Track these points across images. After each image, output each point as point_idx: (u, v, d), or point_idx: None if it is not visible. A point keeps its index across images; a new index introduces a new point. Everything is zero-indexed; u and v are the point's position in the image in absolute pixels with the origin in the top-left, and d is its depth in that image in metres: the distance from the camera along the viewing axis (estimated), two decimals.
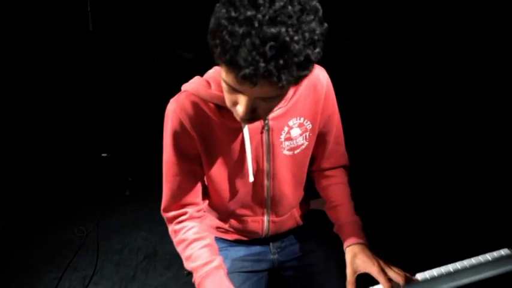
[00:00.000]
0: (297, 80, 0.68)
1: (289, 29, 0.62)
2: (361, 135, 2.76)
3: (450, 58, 3.41)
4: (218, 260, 0.96)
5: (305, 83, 0.93)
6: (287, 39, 0.62)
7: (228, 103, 0.79)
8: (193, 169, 0.98)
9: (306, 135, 0.98)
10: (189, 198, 1.01)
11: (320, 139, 1.06)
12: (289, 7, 0.63)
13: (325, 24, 0.68)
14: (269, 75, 0.63)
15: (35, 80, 3.69)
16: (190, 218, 1.02)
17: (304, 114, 0.96)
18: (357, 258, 0.95)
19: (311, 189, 1.17)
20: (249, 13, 0.62)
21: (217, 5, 0.68)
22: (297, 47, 0.62)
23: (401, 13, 3.51)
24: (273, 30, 0.61)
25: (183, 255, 0.99)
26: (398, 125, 3.04)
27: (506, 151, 2.55)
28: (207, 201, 1.08)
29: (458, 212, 2.15)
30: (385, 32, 3.60)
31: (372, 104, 3.32)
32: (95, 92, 3.37)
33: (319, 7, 0.67)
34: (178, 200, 1.01)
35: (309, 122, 0.97)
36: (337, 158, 1.11)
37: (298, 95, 0.93)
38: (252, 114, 0.76)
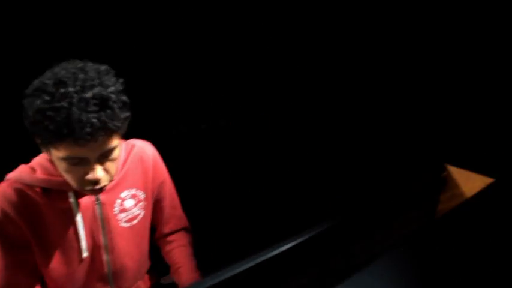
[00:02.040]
0: (124, 122, 0.83)
1: (100, 87, 0.77)
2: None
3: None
4: None
5: (131, 157, 1.01)
6: (103, 93, 0.77)
7: (75, 182, 0.84)
8: (25, 258, 0.93)
9: (140, 205, 1.03)
10: None
11: (156, 206, 1.13)
12: (89, 73, 0.78)
13: (121, 79, 0.84)
14: (104, 124, 0.76)
15: None
16: None
17: (135, 185, 1.02)
18: None
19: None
20: (62, 90, 0.75)
21: (25, 100, 0.78)
22: (112, 96, 0.78)
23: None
24: (89, 92, 0.75)
25: None
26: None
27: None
28: None
29: None
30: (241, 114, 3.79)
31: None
32: None
33: (109, 68, 0.84)
34: None
35: (141, 192, 1.03)
36: (175, 222, 1.18)
37: (126, 169, 1.00)
38: (105, 175, 0.84)
